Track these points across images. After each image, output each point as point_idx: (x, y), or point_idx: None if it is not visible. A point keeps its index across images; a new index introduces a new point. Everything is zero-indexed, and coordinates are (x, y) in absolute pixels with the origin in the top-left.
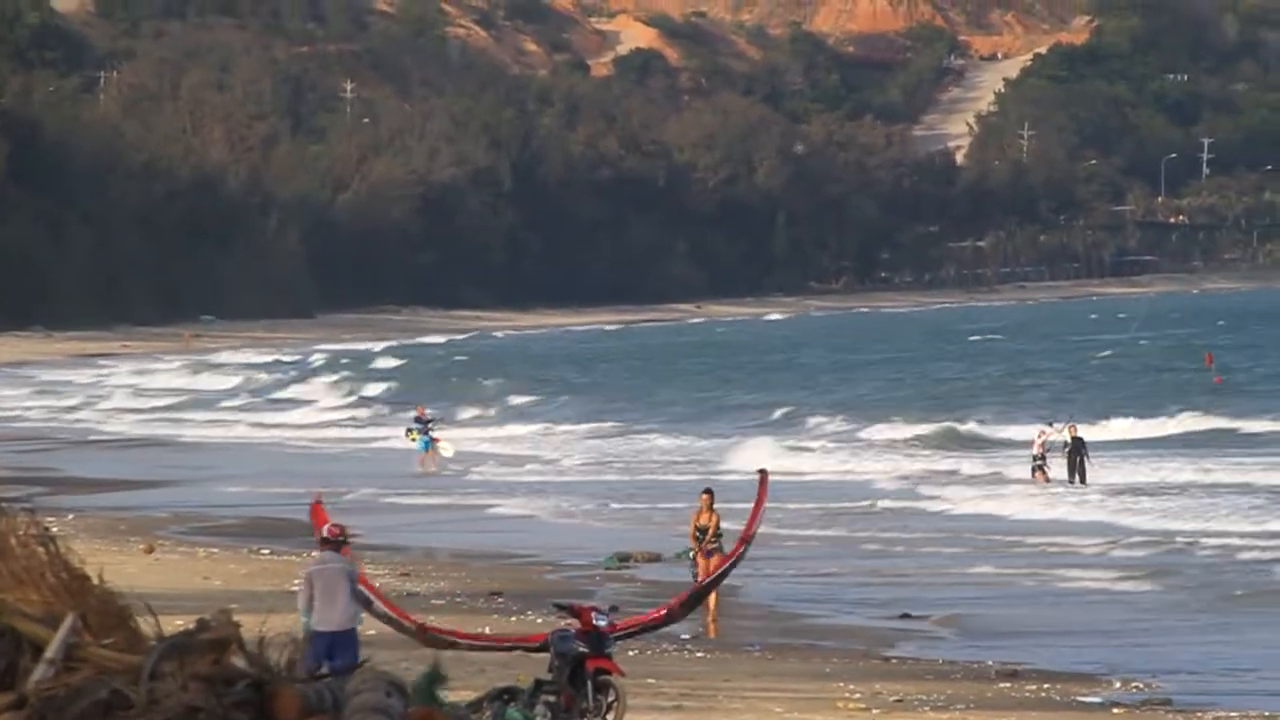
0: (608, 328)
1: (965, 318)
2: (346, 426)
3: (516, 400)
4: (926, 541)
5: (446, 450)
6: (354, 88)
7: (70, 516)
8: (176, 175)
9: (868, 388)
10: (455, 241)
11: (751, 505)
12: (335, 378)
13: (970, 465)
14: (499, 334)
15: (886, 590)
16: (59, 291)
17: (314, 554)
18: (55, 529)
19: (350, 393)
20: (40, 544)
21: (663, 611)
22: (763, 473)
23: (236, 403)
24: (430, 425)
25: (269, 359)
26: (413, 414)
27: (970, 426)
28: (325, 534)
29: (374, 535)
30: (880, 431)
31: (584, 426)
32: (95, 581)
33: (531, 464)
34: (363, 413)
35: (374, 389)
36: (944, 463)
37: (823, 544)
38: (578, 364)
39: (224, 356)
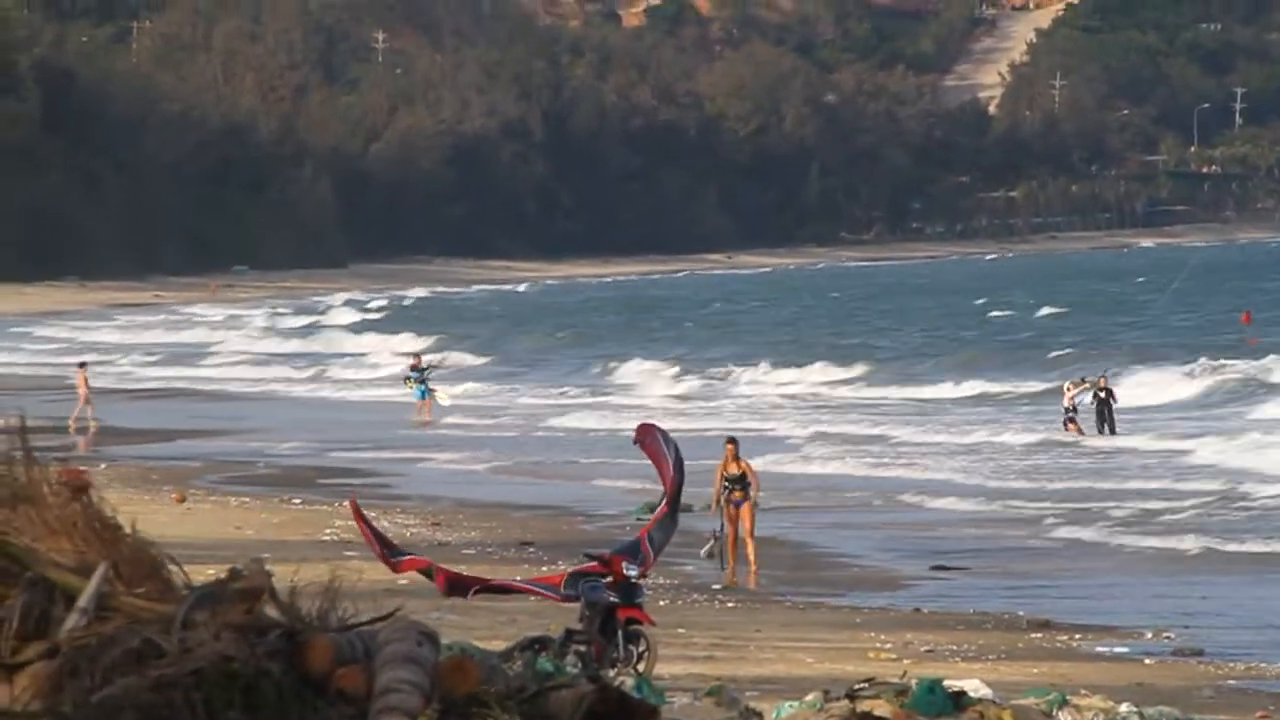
0: (605, 279)
1: (953, 270)
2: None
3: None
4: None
5: (443, 399)
6: (386, 38)
7: (103, 466)
8: (209, 125)
9: (751, 342)
10: (487, 192)
11: (656, 463)
12: (252, 331)
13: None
14: (481, 287)
15: (896, 542)
16: (93, 241)
17: None
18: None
19: (243, 351)
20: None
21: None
22: (641, 428)
23: (126, 358)
24: (426, 374)
25: (223, 314)
26: (409, 363)
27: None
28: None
29: (400, 486)
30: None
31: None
32: (127, 531)
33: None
34: (272, 370)
35: (283, 344)
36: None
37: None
38: (506, 320)
39: (198, 309)
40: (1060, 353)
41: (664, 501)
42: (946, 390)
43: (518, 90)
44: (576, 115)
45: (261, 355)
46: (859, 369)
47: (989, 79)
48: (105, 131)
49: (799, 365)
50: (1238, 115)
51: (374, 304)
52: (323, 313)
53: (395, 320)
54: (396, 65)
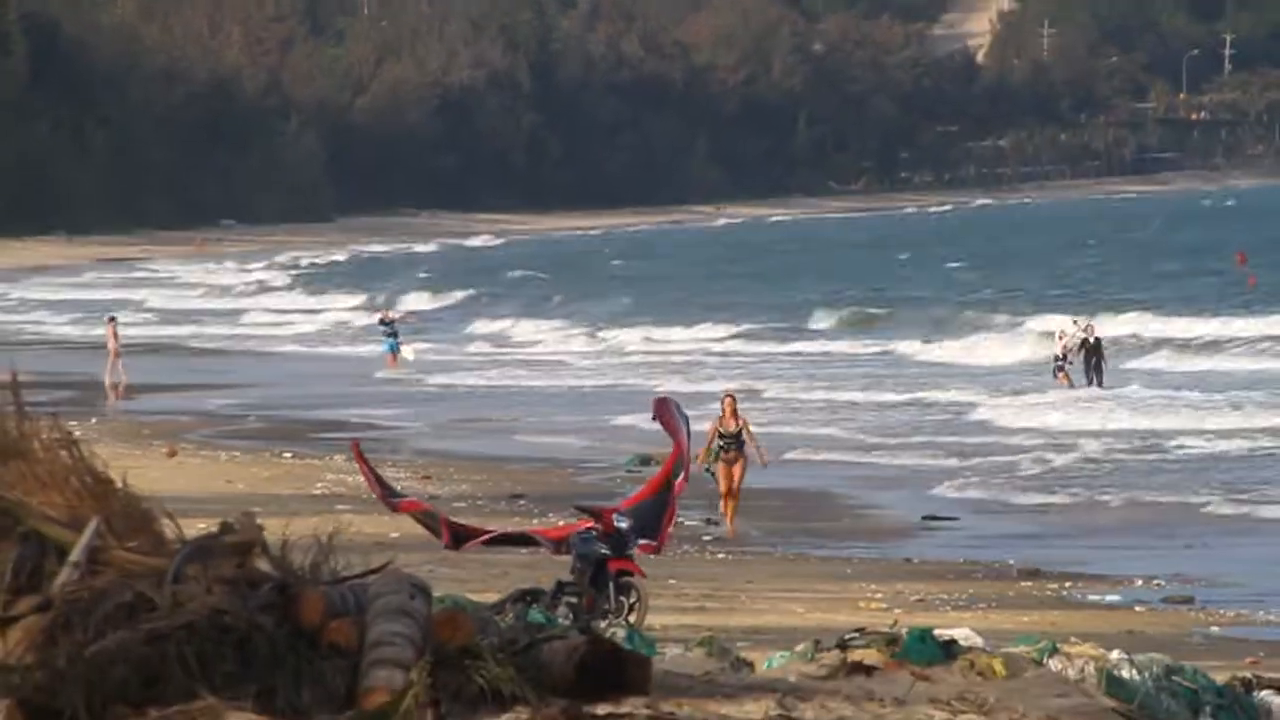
0: (574, 233)
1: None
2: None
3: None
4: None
5: (408, 354)
6: None
7: (93, 420)
8: (195, 78)
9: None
10: (474, 144)
11: (674, 436)
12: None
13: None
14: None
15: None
16: (80, 196)
17: None
18: (78, 433)
19: (155, 309)
20: (64, 448)
21: (655, 544)
22: (658, 403)
23: (32, 314)
24: (394, 327)
25: (167, 272)
26: (378, 318)
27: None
28: None
29: (386, 439)
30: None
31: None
32: (119, 485)
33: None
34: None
35: (191, 302)
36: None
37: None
38: (429, 278)
39: (155, 265)
40: (942, 312)
41: (682, 476)
42: (828, 346)
43: (505, 41)
44: (564, 66)
45: (164, 312)
46: (742, 326)
47: (977, 27)
48: (91, 85)
49: (682, 324)
50: (1227, 62)
51: (305, 262)
52: (251, 271)
53: (313, 279)
54: (382, 17)
